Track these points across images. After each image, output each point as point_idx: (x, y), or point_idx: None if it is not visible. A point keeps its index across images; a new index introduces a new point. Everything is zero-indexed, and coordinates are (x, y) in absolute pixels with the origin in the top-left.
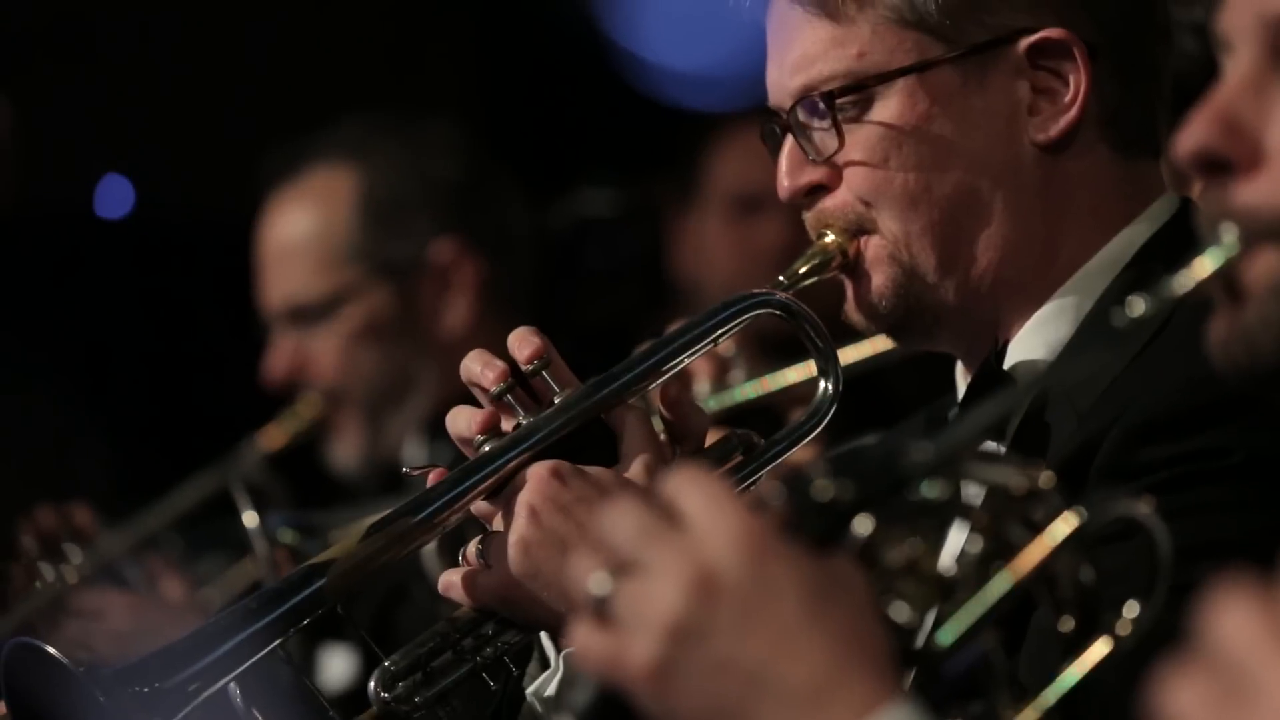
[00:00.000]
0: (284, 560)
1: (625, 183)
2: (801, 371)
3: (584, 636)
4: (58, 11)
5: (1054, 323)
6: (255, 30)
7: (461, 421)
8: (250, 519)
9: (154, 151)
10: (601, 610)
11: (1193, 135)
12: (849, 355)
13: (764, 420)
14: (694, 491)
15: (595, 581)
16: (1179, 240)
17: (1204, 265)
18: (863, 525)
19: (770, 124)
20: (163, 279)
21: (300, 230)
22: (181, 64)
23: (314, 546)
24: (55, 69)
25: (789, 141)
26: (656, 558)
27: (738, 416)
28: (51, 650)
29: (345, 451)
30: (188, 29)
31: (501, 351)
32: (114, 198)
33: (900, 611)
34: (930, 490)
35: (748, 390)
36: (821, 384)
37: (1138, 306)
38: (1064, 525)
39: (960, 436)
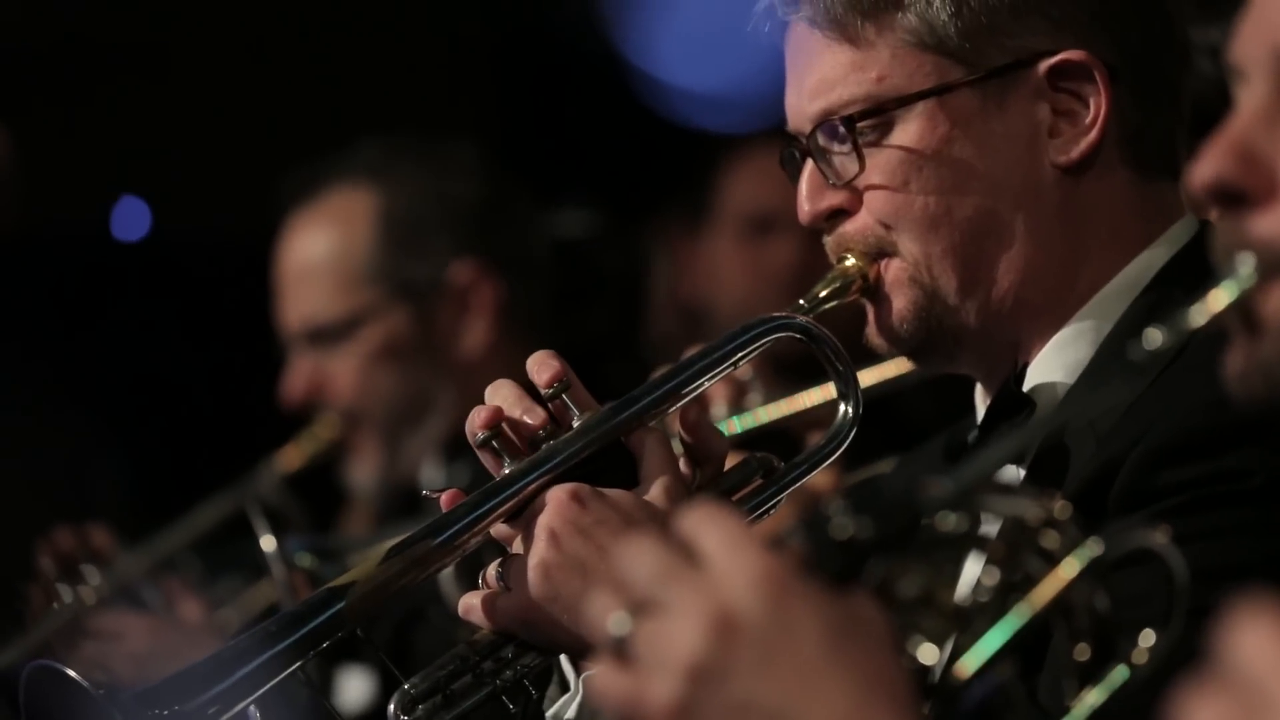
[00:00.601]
0: (302, 584)
1: (603, 203)
2: (818, 395)
3: (604, 676)
4: (75, 34)
5: (1073, 345)
6: (273, 52)
7: (476, 420)
8: (268, 543)
9: (171, 173)
10: (621, 650)
11: (1208, 166)
12: (867, 378)
13: (781, 444)
14: (713, 530)
15: (615, 622)
16: (1198, 263)
17: (1220, 297)
18: (880, 562)
19: (790, 149)
20: (180, 301)
21: (319, 251)
22: (198, 85)
23: (332, 570)
24: (72, 91)
25: (809, 166)
26: (676, 597)
27: (755, 440)
28: (71, 673)
29: (363, 472)
30: (205, 51)
31: (520, 374)
32: (131, 220)
33: (919, 645)
34: (948, 524)
35: (764, 414)
36: (841, 407)
37: (1155, 339)
38: (1081, 556)
39: (978, 470)
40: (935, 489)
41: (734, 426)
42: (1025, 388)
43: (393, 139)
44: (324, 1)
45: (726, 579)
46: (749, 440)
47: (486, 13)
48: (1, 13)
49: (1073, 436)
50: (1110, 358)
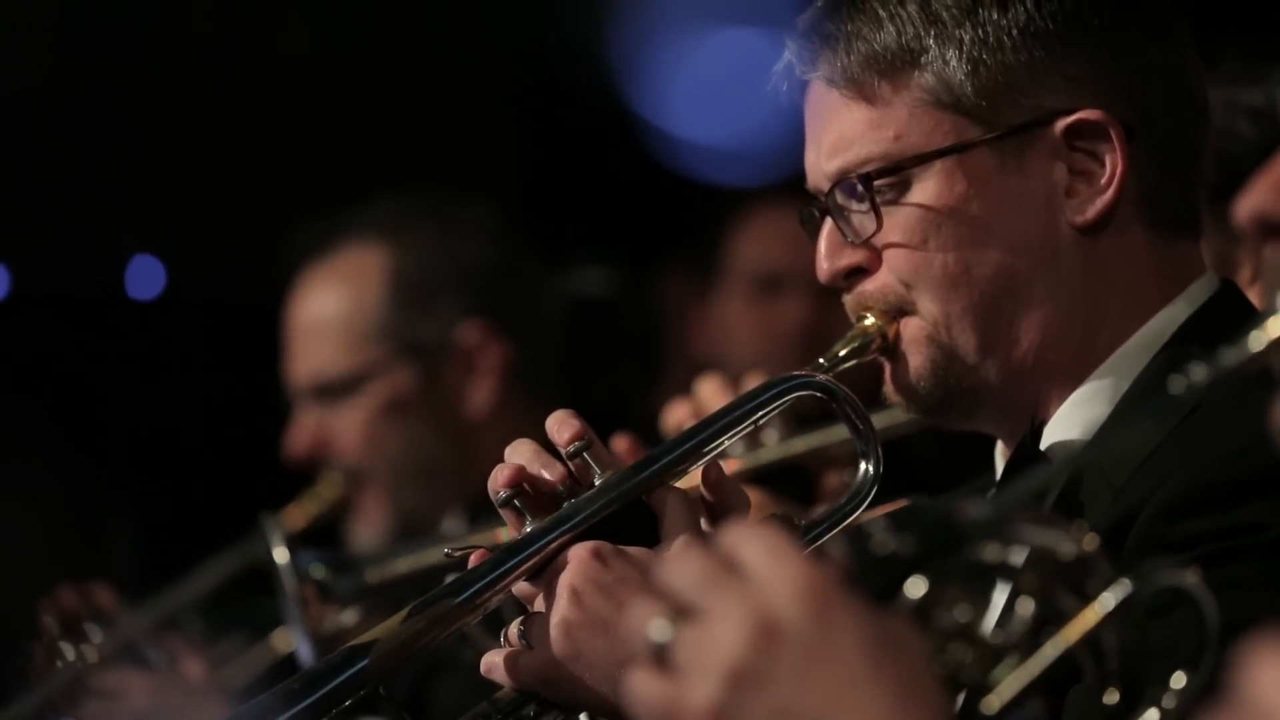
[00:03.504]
0: (311, 596)
1: (621, 261)
2: (836, 433)
3: (642, 683)
4: (88, 90)
5: (1091, 403)
6: (288, 110)
7: (498, 479)
8: (280, 555)
9: (185, 232)
10: (661, 657)
11: (1255, 198)
12: (881, 420)
13: (797, 481)
14: (754, 542)
15: (655, 629)
16: (1218, 321)
17: (1272, 329)
18: (917, 587)
19: (809, 208)
20: (194, 358)
21: (328, 307)
22: (213, 143)
23: (344, 583)
24: (85, 148)
25: (828, 224)
26: (718, 604)
27: (770, 475)
28: None
29: (367, 531)
30: (220, 108)
31: (526, 435)
32: (145, 278)
33: (950, 673)
34: (985, 552)
35: (782, 449)
36: (862, 465)
37: (1198, 374)
38: (1113, 594)
39: (1016, 498)
40: (974, 512)
41: (761, 458)
42: (1042, 445)
43: (407, 198)
44: (339, 59)
45: (769, 587)
46: (765, 475)
47: (501, 70)
48: (14, 73)
49: (1089, 486)
50: (1132, 410)
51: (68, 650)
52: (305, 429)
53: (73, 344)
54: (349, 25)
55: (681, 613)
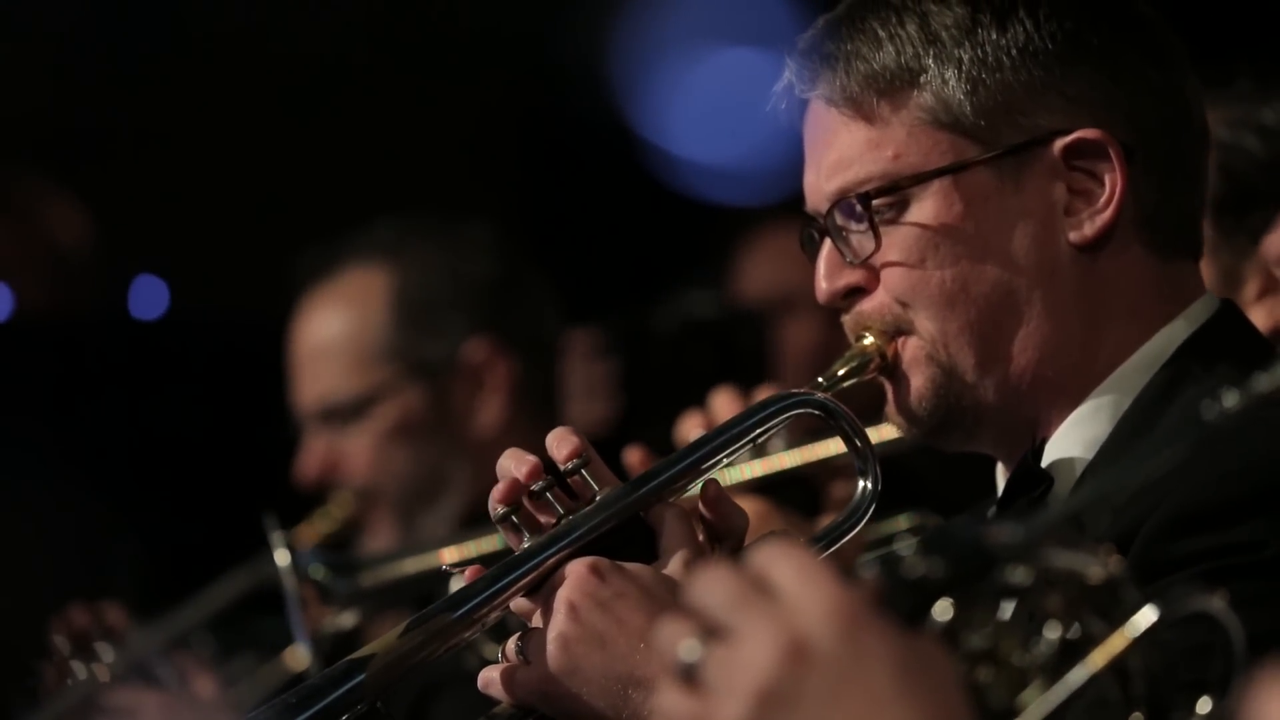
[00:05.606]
0: (311, 597)
1: (624, 280)
2: (838, 445)
3: (671, 702)
4: (89, 114)
5: (1091, 421)
6: (290, 131)
7: (495, 495)
8: (281, 556)
9: (189, 252)
10: (690, 676)
11: None
12: (879, 434)
13: (801, 492)
14: (786, 563)
15: (685, 648)
16: (1218, 340)
17: None
18: (945, 610)
19: (808, 229)
20: (197, 378)
21: (334, 330)
22: (216, 164)
23: (343, 584)
24: (88, 171)
25: (827, 245)
26: (748, 624)
27: (775, 484)
28: None
29: (379, 550)
30: (222, 130)
31: (535, 451)
32: (148, 298)
33: (979, 695)
34: (1013, 574)
35: (786, 459)
36: (860, 483)
37: (1230, 399)
38: (1140, 618)
39: (1047, 521)
40: (1004, 535)
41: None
42: (1044, 464)
43: (408, 218)
44: (341, 81)
45: (800, 608)
46: (770, 485)
47: (502, 91)
48: (19, 95)
49: (1088, 508)
50: (1129, 433)
51: (79, 669)
52: (315, 453)
53: (76, 364)
54: (349, 48)
55: (711, 632)
